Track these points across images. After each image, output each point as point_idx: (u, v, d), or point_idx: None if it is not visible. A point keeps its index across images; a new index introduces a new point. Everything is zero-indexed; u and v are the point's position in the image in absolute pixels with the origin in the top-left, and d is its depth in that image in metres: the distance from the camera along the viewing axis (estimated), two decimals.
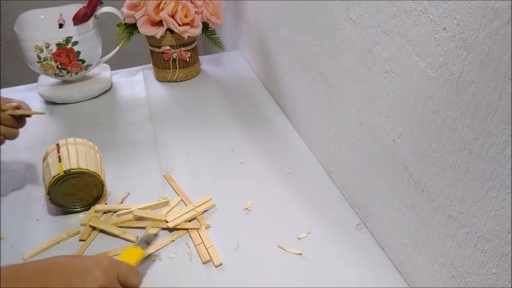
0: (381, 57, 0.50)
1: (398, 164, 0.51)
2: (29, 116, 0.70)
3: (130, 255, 0.53)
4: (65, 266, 0.44)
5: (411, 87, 0.46)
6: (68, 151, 0.64)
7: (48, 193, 0.63)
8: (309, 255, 0.58)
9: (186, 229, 0.63)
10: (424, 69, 0.43)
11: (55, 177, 0.62)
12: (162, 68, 1.03)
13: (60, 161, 0.63)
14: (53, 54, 0.90)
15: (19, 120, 0.69)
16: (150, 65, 1.08)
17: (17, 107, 0.68)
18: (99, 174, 0.65)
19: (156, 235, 0.60)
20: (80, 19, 0.92)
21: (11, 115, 0.67)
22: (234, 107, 0.93)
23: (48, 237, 0.62)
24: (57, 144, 0.66)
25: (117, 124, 0.89)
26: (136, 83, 1.05)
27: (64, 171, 0.62)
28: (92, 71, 1.02)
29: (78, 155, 0.64)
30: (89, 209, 0.67)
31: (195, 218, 0.65)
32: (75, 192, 0.65)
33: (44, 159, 0.66)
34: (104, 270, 0.44)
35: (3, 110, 0.66)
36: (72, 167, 0.62)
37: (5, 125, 0.66)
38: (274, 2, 0.82)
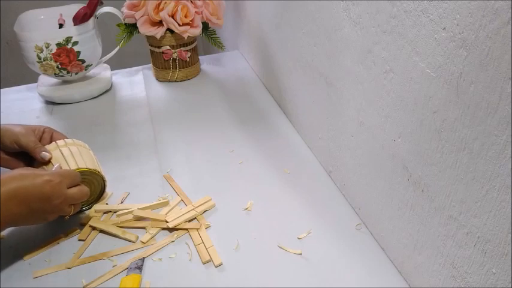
0: (381, 57, 0.50)
1: (398, 164, 0.51)
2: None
3: (128, 284, 0.54)
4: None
5: (411, 87, 0.46)
6: (62, 154, 0.63)
7: None
8: (309, 255, 0.58)
9: (186, 229, 0.63)
10: (424, 69, 0.43)
11: None
12: (162, 68, 1.03)
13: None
14: (53, 54, 0.90)
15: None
16: (150, 65, 1.08)
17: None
18: (99, 170, 0.65)
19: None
20: (80, 19, 0.92)
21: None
22: (234, 107, 0.93)
23: (48, 237, 0.62)
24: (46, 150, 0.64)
25: (117, 124, 0.89)
26: (136, 83, 1.05)
27: None
28: (92, 71, 1.02)
29: (74, 156, 0.63)
30: (91, 207, 0.67)
31: (195, 218, 0.65)
32: None
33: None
34: (57, 189, 0.56)
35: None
36: (71, 169, 0.62)
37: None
38: (274, 2, 0.82)
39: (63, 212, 0.59)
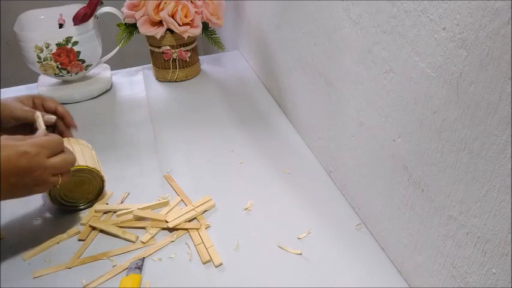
0: (381, 57, 0.50)
1: (398, 164, 0.51)
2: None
3: (128, 284, 0.54)
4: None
5: (411, 87, 0.46)
6: None
7: (49, 193, 0.63)
8: (309, 255, 0.58)
9: (186, 229, 0.63)
10: (424, 69, 0.43)
11: None
12: (162, 68, 1.03)
13: None
14: (53, 54, 0.90)
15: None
16: (150, 65, 1.08)
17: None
18: (99, 169, 0.65)
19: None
20: (80, 19, 0.92)
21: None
22: (234, 107, 0.93)
23: (48, 237, 0.62)
24: None
25: (117, 124, 0.89)
26: (136, 83, 1.05)
27: None
28: (92, 71, 1.02)
29: (75, 154, 0.64)
30: (91, 206, 0.67)
31: (195, 218, 0.65)
32: (75, 190, 0.65)
33: None
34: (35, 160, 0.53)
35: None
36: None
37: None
38: (274, 2, 0.82)
39: (49, 183, 0.56)
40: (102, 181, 0.66)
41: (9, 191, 0.53)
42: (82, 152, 0.65)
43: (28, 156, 0.52)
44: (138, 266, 0.57)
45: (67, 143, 0.65)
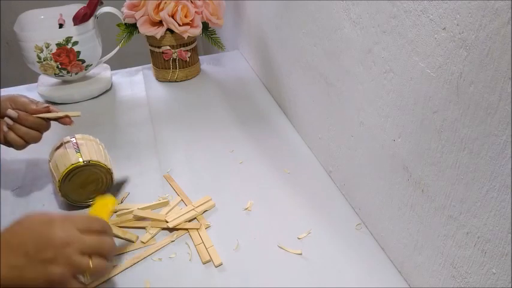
0: (381, 57, 0.50)
1: (398, 164, 0.51)
2: (60, 117, 0.67)
3: (101, 206, 0.55)
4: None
5: (411, 87, 0.46)
6: (78, 145, 0.67)
7: (60, 188, 0.64)
8: (309, 255, 0.58)
9: (186, 229, 0.63)
10: (424, 69, 0.43)
11: (74, 165, 0.64)
12: (162, 68, 1.03)
13: (78, 151, 0.66)
14: (53, 54, 0.90)
15: (45, 123, 0.67)
16: (150, 65, 1.08)
17: (47, 110, 0.66)
18: (110, 167, 0.67)
19: None
20: (80, 19, 0.92)
21: (41, 118, 0.66)
22: (234, 107, 0.93)
23: None
24: (74, 137, 0.68)
25: (117, 124, 0.89)
26: (136, 83, 1.05)
27: (84, 161, 0.64)
28: (92, 71, 1.02)
29: (88, 148, 0.66)
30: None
31: (195, 218, 0.65)
32: (84, 186, 0.66)
33: (56, 150, 0.67)
34: (60, 228, 0.44)
35: (33, 114, 0.65)
36: (91, 159, 0.65)
37: (31, 128, 0.66)
38: (274, 2, 0.82)
39: (74, 264, 0.45)
40: (110, 174, 0.67)
41: (17, 268, 0.42)
42: (94, 148, 0.67)
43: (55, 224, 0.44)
44: None
45: (80, 138, 0.68)
